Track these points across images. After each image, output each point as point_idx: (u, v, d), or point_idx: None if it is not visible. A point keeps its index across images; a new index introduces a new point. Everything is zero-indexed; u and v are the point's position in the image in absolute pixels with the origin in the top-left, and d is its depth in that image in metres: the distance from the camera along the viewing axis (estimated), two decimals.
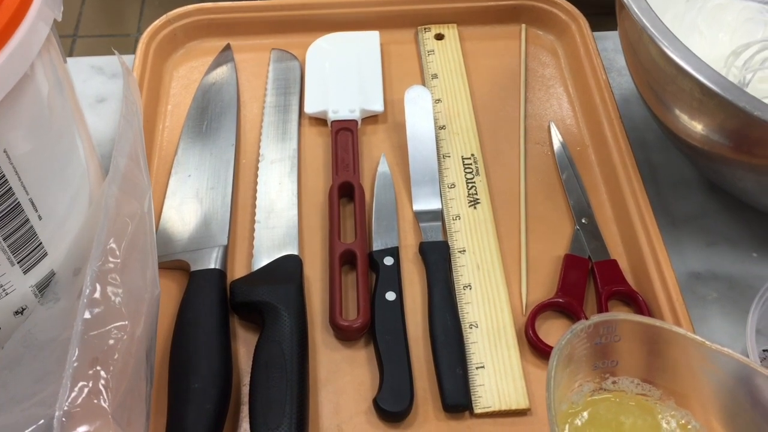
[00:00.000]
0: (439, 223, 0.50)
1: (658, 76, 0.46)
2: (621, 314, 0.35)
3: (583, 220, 0.50)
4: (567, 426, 0.36)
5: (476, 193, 0.52)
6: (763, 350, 0.45)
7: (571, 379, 0.35)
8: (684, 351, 0.34)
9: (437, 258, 0.48)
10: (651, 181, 0.53)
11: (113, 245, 0.38)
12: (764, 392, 0.32)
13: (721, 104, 0.41)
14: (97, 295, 0.36)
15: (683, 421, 0.36)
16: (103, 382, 0.33)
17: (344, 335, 0.45)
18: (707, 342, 0.34)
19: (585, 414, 0.36)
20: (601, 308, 0.46)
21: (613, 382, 0.37)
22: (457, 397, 0.42)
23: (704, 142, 0.46)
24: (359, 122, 0.56)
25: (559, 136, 0.55)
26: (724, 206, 0.52)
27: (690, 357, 0.34)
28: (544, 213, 0.52)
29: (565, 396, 0.36)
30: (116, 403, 0.33)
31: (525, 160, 0.54)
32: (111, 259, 0.37)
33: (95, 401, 0.31)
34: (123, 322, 0.34)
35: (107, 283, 0.36)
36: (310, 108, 0.56)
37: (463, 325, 0.46)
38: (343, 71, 0.58)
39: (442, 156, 0.54)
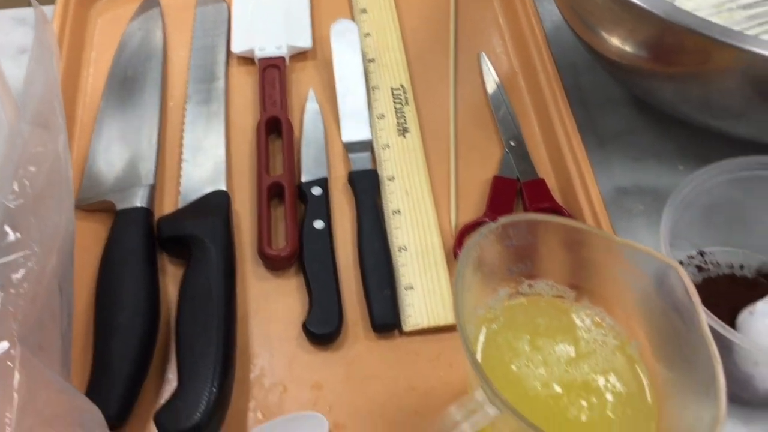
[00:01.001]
0: (369, 153, 0.50)
1: None
2: (528, 214, 0.36)
3: (512, 143, 0.51)
4: (484, 330, 0.36)
5: (405, 123, 0.52)
6: (688, 256, 0.46)
7: (486, 284, 0.36)
8: (591, 248, 0.35)
9: (366, 186, 0.48)
10: (580, 104, 0.54)
11: (25, 181, 0.38)
12: (677, 289, 0.33)
13: (634, 14, 0.41)
14: (6, 228, 0.35)
15: (598, 319, 0.37)
16: (11, 308, 0.33)
17: (273, 265, 0.45)
18: (615, 237, 0.34)
19: (501, 318, 0.37)
20: None
21: (530, 286, 0.37)
22: (385, 317, 0.43)
23: (623, 56, 0.46)
24: (287, 59, 0.55)
25: (489, 65, 0.55)
26: (650, 123, 0.52)
27: (598, 253, 0.35)
28: (473, 139, 0.52)
29: (481, 301, 0.36)
30: (26, 329, 0.32)
31: (455, 89, 0.54)
32: (19, 191, 0.36)
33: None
34: (29, 251, 0.34)
35: (16, 216, 0.36)
36: (237, 47, 0.56)
37: (392, 249, 0.46)
38: (269, 9, 0.58)
39: (371, 88, 0.54)
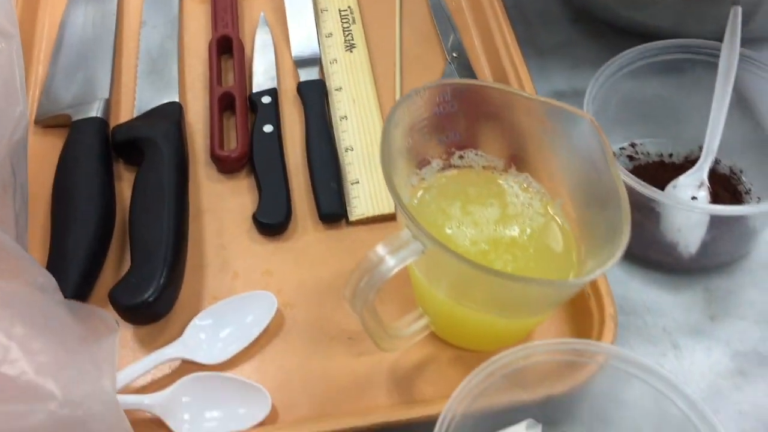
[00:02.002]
0: (317, 68, 0.52)
1: None
2: (454, 79, 0.38)
3: (454, 54, 0.53)
4: (417, 198, 0.38)
5: (353, 39, 0.54)
6: (620, 148, 0.48)
7: (417, 153, 0.38)
8: (516, 112, 0.37)
9: (314, 95, 0.50)
10: (521, 20, 0.56)
11: None
12: (591, 139, 0.35)
13: None
14: None
15: (525, 184, 0.39)
16: None
17: (225, 167, 0.47)
18: (537, 96, 0.36)
19: (435, 188, 0.39)
20: None
21: (460, 157, 0.39)
22: (331, 207, 0.45)
23: None
24: None
25: None
26: (585, 35, 0.55)
27: (522, 117, 0.37)
28: (418, 53, 0.54)
29: (414, 171, 0.38)
30: None
31: (401, 9, 0.57)
32: None
33: None
34: None
35: None
36: None
37: (339, 150, 0.48)
38: None
39: (320, 11, 0.56)
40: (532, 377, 0.34)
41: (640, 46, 0.44)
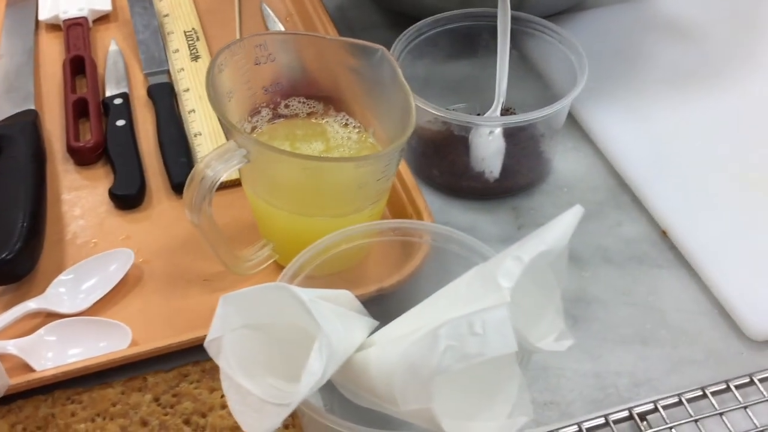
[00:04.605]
0: (165, 75, 0.58)
1: None
2: (268, 31, 0.44)
3: None
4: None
5: (197, 52, 0.60)
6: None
7: (246, 100, 0.43)
8: (327, 56, 0.43)
9: (163, 94, 0.56)
10: (347, 30, 0.64)
11: None
12: (386, 65, 0.41)
13: None
14: None
15: (344, 122, 0.45)
16: None
17: (81, 158, 0.51)
18: (342, 38, 0.43)
19: (266, 135, 0.44)
20: None
21: (286, 106, 0.45)
22: (182, 177, 0.49)
23: None
24: (89, 19, 0.63)
25: (269, 10, 0.65)
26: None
27: (332, 59, 0.43)
28: None
29: (245, 118, 0.44)
30: None
31: (240, 29, 0.64)
32: None
33: None
34: None
35: None
36: (42, 15, 0.63)
37: (189, 136, 0.53)
38: None
39: (166, 33, 0.62)
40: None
41: (427, 18, 0.52)
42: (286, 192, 0.40)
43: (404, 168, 0.48)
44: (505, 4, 0.51)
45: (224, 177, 0.37)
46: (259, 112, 0.45)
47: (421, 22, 0.52)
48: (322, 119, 0.45)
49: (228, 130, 0.38)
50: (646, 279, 0.45)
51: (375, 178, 0.38)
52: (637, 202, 0.49)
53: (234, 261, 0.41)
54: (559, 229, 0.30)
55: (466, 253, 0.37)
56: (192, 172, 0.37)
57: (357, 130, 0.45)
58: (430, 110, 0.46)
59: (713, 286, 0.43)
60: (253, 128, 0.44)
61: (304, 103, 0.45)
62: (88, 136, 0.52)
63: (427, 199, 0.49)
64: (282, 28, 0.63)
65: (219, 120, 0.38)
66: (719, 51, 0.59)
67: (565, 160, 0.52)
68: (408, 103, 0.39)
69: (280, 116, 0.45)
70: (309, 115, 0.46)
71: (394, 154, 0.37)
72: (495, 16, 0.51)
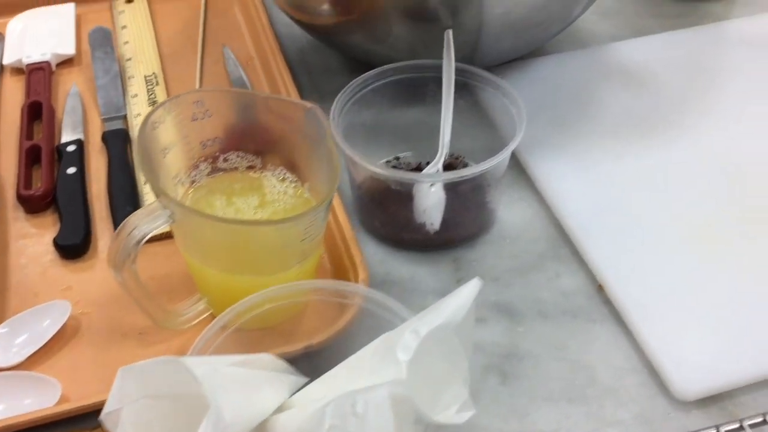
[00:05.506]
0: (121, 121, 0.59)
1: None
2: (202, 89, 0.44)
3: None
4: (189, 197, 0.44)
5: (155, 97, 0.61)
6: (386, 161, 0.56)
7: (184, 156, 0.44)
8: (261, 113, 0.44)
9: (116, 140, 0.56)
10: (306, 73, 0.65)
11: None
12: (318, 124, 0.41)
13: None
14: None
15: (281, 177, 0.45)
16: None
17: (31, 206, 0.52)
18: (276, 95, 0.44)
19: (204, 188, 0.45)
20: None
21: (225, 160, 0.46)
22: None
23: (324, 17, 0.57)
24: (53, 64, 0.64)
25: (231, 54, 0.66)
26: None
27: (268, 117, 0.44)
28: None
29: (184, 172, 0.44)
30: None
31: (201, 72, 0.64)
32: None
33: None
34: None
35: None
36: (6, 59, 0.64)
37: (139, 184, 0.53)
38: (38, 25, 0.67)
39: (127, 78, 0.63)
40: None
41: (372, 71, 0.52)
42: (212, 251, 0.40)
43: (344, 220, 0.48)
44: (450, 57, 0.51)
45: (149, 236, 0.38)
46: (198, 166, 0.45)
47: (366, 74, 0.52)
48: (261, 173, 0.46)
49: (154, 192, 0.38)
50: (580, 334, 0.45)
51: (298, 239, 0.39)
52: (576, 255, 0.49)
53: (164, 316, 0.42)
54: (456, 302, 0.31)
55: (389, 316, 0.37)
56: (117, 230, 0.38)
57: (294, 184, 0.45)
58: (367, 166, 0.46)
59: (644, 343, 0.43)
60: (192, 182, 0.45)
61: (242, 157, 0.46)
62: (39, 184, 0.53)
63: (369, 250, 0.50)
64: (242, 73, 0.64)
65: (144, 174, 0.39)
66: (670, 101, 0.60)
67: (510, 210, 0.52)
68: (334, 165, 0.40)
69: (219, 170, 0.46)
70: (249, 168, 0.46)
71: (315, 216, 0.38)
72: (440, 68, 0.52)
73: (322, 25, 0.59)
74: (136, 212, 0.38)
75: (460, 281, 0.48)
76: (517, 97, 0.49)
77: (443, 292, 0.47)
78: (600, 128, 0.57)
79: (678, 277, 0.46)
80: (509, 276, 0.48)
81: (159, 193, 0.37)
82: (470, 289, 0.31)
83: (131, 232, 0.37)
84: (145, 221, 0.37)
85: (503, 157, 0.47)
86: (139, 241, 0.37)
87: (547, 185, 0.53)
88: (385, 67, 0.53)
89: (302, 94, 0.62)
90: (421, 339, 0.29)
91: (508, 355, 0.44)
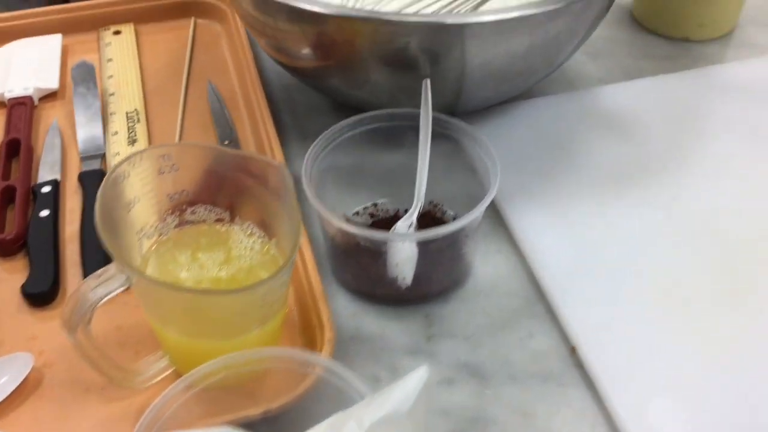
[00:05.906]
0: (100, 160, 0.58)
1: (254, 24, 0.57)
2: (167, 144, 0.44)
3: (226, 142, 0.60)
4: (154, 250, 0.44)
5: (135, 136, 0.61)
6: (364, 207, 0.55)
7: (150, 209, 0.43)
8: (229, 168, 0.43)
9: (92, 182, 0.56)
10: (290, 113, 0.64)
11: None
12: (283, 182, 0.41)
13: (295, 26, 0.52)
14: None
15: (249, 231, 0.45)
16: None
17: (2, 250, 0.51)
18: (244, 152, 0.43)
19: (170, 242, 0.44)
20: None
21: (192, 212, 0.45)
22: None
23: (303, 60, 0.57)
24: (35, 98, 0.63)
25: (215, 89, 0.65)
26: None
27: (236, 173, 0.43)
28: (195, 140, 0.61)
29: (150, 226, 0.44)
30: None
31: (183, 109, 0.64)
32: None
33: None
34: None
35: None
36: None
37: None
38: (22, 58, 0.67)
39: (109, 114, 0.63)
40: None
41: (349, 119, 0.51)
42: (169, 314, 0.40)
43: (314, 274, 0.47)
44: (427, 107, 0.50)
45: (104, 299, 0.37)
46: (165, 219, 0.44)
47: (343, 122, 0.51)
48: (229, 226, 0.45)
49: (110, 255, 0.37)
50: (549, 398, 0.44)
51: (256, 306, 0.38)
52: (551, 313, 0.48)
53: (122, 376, 0.41)
54: (403, 392, 0.30)
55: (346, 388, 0.36)
56: (70, 293, 0.37)
57: (261, 240, 0.44)
58: (335, 223, 0.45)
59: (614, 412, 0.42)
60: (160, 234, 0.44)
61: (210, 210, 0.45)
62: (12, 227, 0.53)
63: (340, 302, 0.49)
64: (225, 110, 0.63)
65: (99, 235, 0.38)
66: (657, 152, 0.58)
67: (486, 263, 0.51)
68: (295, 228, 0.39)
69: (187, 222, 0.45)
70: (217, 221, 0.45)
71: (272, 284, 0.37)
72: (418, 117, 0.51)
73: (302, 68, 0.59)
74: (92, 275, 0.37)
75: (430, 338, 0.47)
76: (492, 151, 0.48)
77: (413, 350, 0.47)
78: (584, 179, 0.56)
79: (652, 344, 0.45)
80: (481, 334, 0.47)
81: (115, 257, 0.37)
82: (418, 378, 0.30)
83: (86, 294, 0.36)
84: (102, 285, 0.37)
85: (476, 214, 0.46)
86: (93, 305, 0.37)
87: (525, 238, 0.52)
88: (363, 115, 0.52)
89: (285, 133, 0.62)
90: (365, 430, 0.28)
91: (473, 420, 0.43)
